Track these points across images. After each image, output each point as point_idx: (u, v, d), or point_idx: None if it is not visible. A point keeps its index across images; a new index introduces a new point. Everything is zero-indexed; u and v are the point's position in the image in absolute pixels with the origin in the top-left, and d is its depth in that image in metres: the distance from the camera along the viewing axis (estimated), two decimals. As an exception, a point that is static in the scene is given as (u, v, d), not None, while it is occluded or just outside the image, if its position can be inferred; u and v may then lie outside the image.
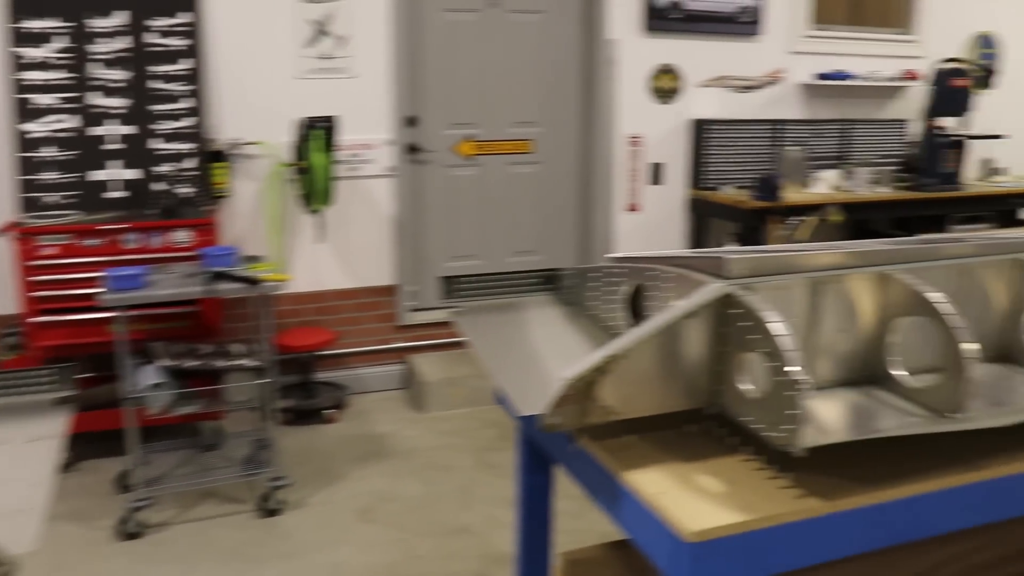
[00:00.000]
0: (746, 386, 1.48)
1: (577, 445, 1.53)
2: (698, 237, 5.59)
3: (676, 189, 5.56)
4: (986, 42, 6.38)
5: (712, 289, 1.46)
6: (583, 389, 1.43)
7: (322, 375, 4.87)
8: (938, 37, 6.12)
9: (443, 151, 5.09)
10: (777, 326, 1.36)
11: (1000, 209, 5.88)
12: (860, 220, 5.51)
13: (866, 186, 5.41)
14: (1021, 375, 1.81)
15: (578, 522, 3.35)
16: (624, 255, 1.77)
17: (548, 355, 1.78)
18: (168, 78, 4.24)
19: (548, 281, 2.14)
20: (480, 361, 1.72)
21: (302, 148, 4.36)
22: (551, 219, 5.44)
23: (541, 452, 1.97)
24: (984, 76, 6.33)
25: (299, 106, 4.54)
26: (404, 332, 5.07)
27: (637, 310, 1.78)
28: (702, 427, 1.58)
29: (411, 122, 4.94)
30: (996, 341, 1.88)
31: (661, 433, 1.55)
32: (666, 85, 5.40)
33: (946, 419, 1.52)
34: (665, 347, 1.49)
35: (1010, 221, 5.96)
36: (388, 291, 4.98)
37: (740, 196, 5.17)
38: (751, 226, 5.03)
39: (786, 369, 1.33)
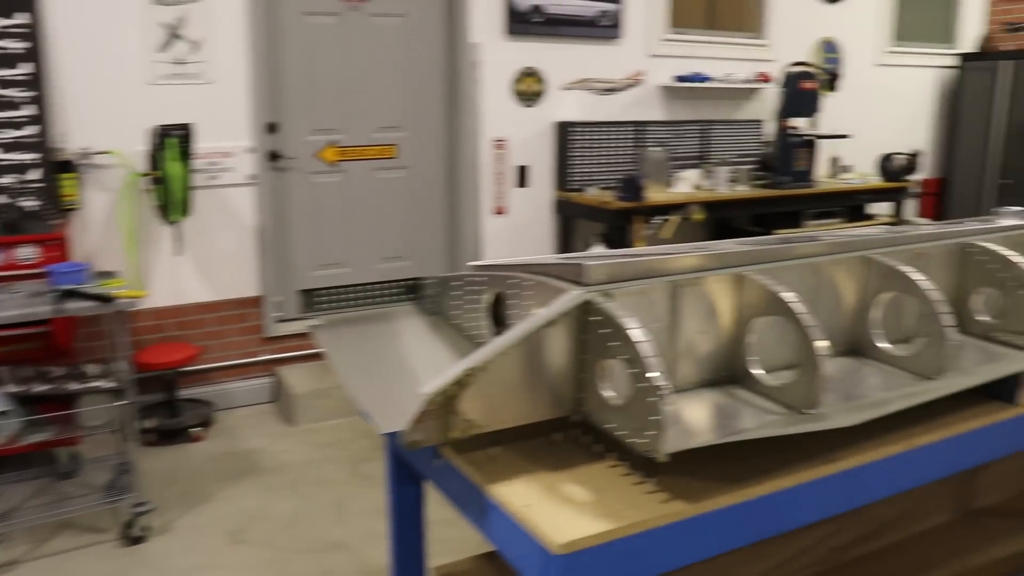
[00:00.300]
0: (608, 393, 1.48)
1: (442, 460, 1.51)
2: (565, 238, 5.65)
3: (542, 191, 5.61)
4: (829, 47, 6.70)
5: (571, 297, 1.46)
6: (444, 403, 1.40)
7: (186, 392, 4.67)
8: (786, 42, 6.40)
9: (306, 158, 4.97)
10: (636, 332, 1.37)
11: (849, 204, 6.19)
12: (721, 218, 5.70)
13: (725, 184, 5.59)
14: (869, 367, 1.89)
15: (454, 530, 3.33)
16: (485, 263, 1.76)
17: (409, 368, 1.75)
18: (6, 83, 3.99)
19: (414, 290, 2.11)
20: (338, 376, 1.66)
21: (157, 157, 4.18)
22: (418, 224, 5.39)
23: (409, 466, 1.93)
24: (829, 79, 6.65)
25: (153, 113, 4.34)
26: (271, 344, 4.93)
27: (500, 319, 1.77)
28: (568, 435, 1.58)
29: (272, 128, 4.81)
30: (847, 336, 1.96)
31: (527, 443, 1.54)
32: (529, 88, 5.44)
33: (803, 416, 1.56)
34: (526, 357, 1.48)
35: (858, 215, 6.26)
36: (253, 302, 4.83)
37: (605, 197, 5.25)
38: (617, 226, 5.12)
39: (647, 375, 1.34)
